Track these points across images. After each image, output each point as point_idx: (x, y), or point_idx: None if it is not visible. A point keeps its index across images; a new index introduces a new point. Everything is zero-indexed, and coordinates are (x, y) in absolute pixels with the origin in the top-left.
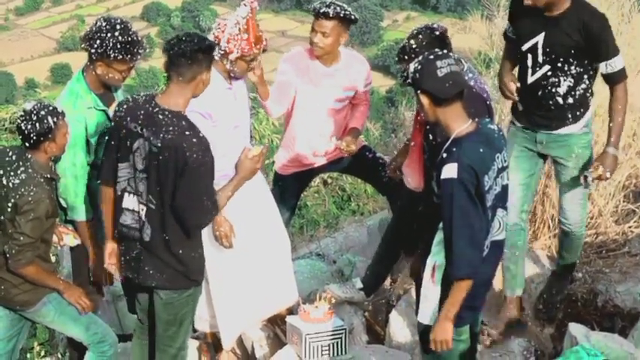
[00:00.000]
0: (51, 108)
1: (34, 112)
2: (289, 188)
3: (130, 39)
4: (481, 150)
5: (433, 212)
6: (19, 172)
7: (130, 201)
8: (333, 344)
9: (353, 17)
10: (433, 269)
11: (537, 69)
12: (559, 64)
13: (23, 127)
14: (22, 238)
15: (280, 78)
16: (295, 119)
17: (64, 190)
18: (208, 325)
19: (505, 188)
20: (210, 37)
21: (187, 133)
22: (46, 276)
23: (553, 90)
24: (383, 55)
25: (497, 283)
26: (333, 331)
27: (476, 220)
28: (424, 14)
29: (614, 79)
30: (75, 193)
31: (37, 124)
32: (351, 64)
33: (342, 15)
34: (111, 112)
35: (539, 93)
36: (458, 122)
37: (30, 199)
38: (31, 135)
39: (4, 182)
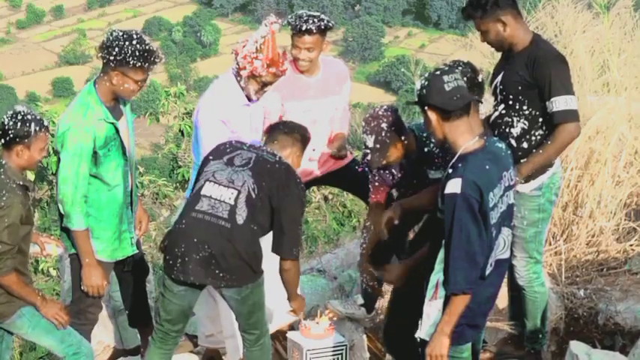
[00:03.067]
0: (38, 117)
1: (22, 113)
2: None
3: (147, 48)
4: (487, 167)
5: (434, 230)
6: None
7: (212, 189)
8: None
9: (331, 25)
10: (436, 286)
11: (497, 108)
12: (510, 102)
13: (5, 123)
14: (0, 246)
15: (269, 107)
16: None
17: (62, 197)
18: (212, 342)
19: (511, 207)
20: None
21: (292, 169)
22: (25, 288)
23: (507, 130)
24: (384, 72)
25: (500, 301)
26: (333, 347)
27: (475, 237)
28: (426, 31)
29: (554, 119)
30: (72, 201)
31: (19, 124)
32: (329, 69)
33: (323, 27)
34: (120, 125)
35: (496, 132)
36: (465, 138)
37: (2, 204)
38: (9, 132)
39: None
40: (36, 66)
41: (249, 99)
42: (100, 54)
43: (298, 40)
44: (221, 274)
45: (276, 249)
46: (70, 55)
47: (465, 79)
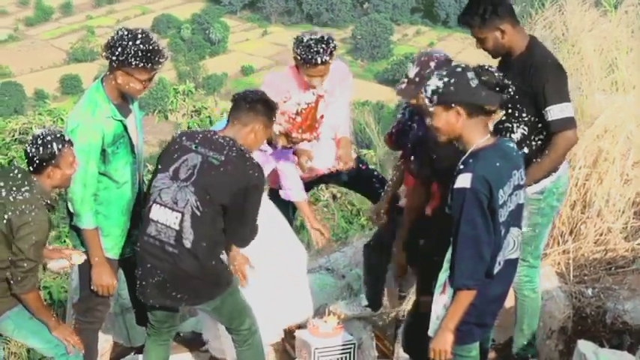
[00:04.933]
0: (58, 135)
1: (41, 137)
2: (283, 202)
3: (151, 47)
4: (498, 164)
5: (443, 227)
6: (22, 189)
7: (159, 212)
8: (341, 359)
9: (335, 43)
10: (444, 285)
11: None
12: (510, 109)
13: (28, 151)
14: (26, 264)
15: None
16: None
17: (71, 195)
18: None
19: (520, 207)
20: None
21: (247, 155)
22: (43, 308)
23: (507, 135)
24: (393, 70)
25: (508, 301)
26: (342, 345)
27: (483, 233)
28: (434, 29)
29: (550, 128)
30: (81, 199)
31: (41, 149)
32: (333, 77)
33: (332, 53)
34: (128, 123)
35: None
36: (478, 135)
37: (30, 219)
38: (35, 159)
39: (3, 194)
40: (44, 63)
41: (271, 145)
42: (104, 53)
43: (312, 70)
44: (178, 296)
45: (234, 239)
46: (79, 53)
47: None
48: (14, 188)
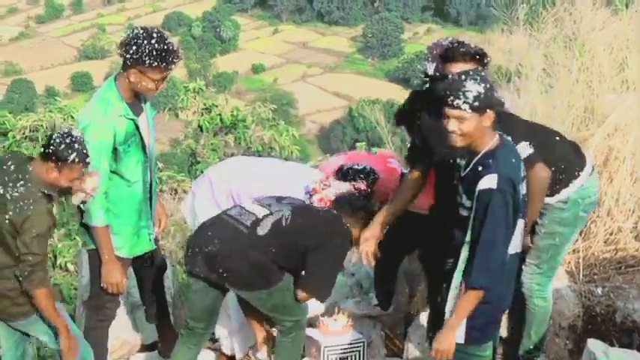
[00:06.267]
0: (84, 150)
1: (72, 138)
2: None
3: (165, 47)
4: (513, 160)
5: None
6: (18, 184)
7: (249, 204)
8: (351, 357)
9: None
10: (461, 285)
11: None
12: None
13: (53, 137)
14: (31, 257)
15: None
16: None
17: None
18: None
19: (524, 197)
20: None
21: (344, 225)
22: (52, 308)
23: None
24: (404, 68)
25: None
26: (351, 343)
27: (505, 235)
28: (445, 27)
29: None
30: (92, 197)
31: (62, 145)
32: None
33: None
34: (139, 122)
35: None
36: (491, 135)
37: (29, 214)
38: (51, 147)
39: (1, 192)
40: (55, 60)
41: None
42: (119, 51)
43: None
44: (225, 274)
45: (304, 284)
46: (89, 50)
47: None
48: (10, 184)
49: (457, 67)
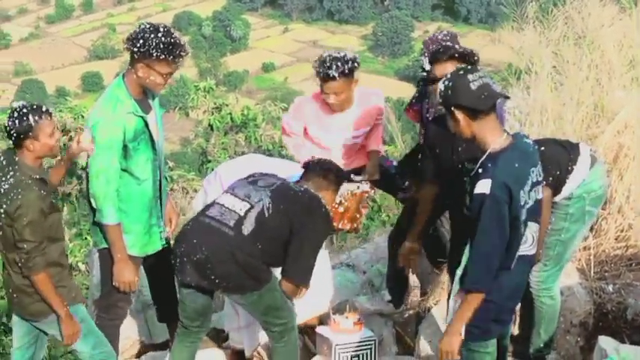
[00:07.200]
0: (34, 107)
1: (18, 109)
2: None
3: (173, 40)
4: (516, 165)
5: (462, 227)
6: (8, 176)
7: (227, 199)
8: (362, 355)
9: (356, 64)
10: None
11: None
12: None
13: (6, 124)
14: (25, 245)
15: (293, 141)
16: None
17: (94, 191)
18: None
19: (539, 202)
20: None
21: (322, 200)
22: (53, 294)
23: None
24: (414, 66)
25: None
26: (362, 341)
27: (496, 240)
28: (455, 25)
29: None
30: (104, 195)
31: (17, 121)
32: (364, 102)
33: (346, 72)
34: (149, 119)
35: None
36: (494, 136)
37: (19, 203)
38: (12, 132)
39: None
40: (65, 60)
41: None
42: (126, 45)
43: (325, 85)
44: (216, 280)
45: (287, 271)
46: (100, 50)
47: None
48: (2, 178)
49: (443, 69)
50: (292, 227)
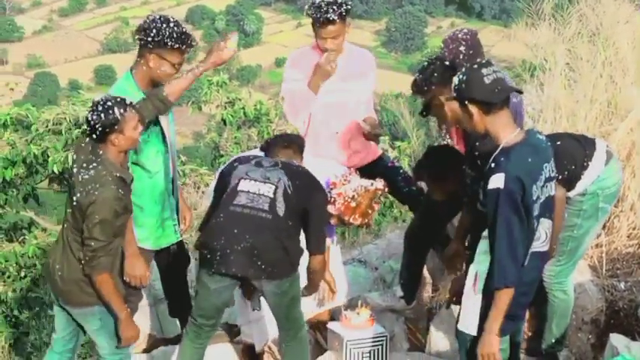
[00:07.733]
0: (119, 99)
1: (101, 103)
2: None
3: (183, 30)
4: (529, 160)
5: (476, 221)
6: (90, 167)
7: (249, 185)
8: (373, 351)
9: (350, 7)
10: (475, 278)
11: None
12: None
13: (89, 118)
14: (92, 243)
15: (294, 86)
16: (314, 117)
17: None
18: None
19: (551, 199)
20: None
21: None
22: (115, 295)
23: None
24: None
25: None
26: (374, 337)
27: (518, 233)
28: (469, 21)
29: None
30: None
31: (103, 115)
32: (352, 56)
33: (344, 13)
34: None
35: None
36: (507, 130)
37: (94, 198)
38: (97, 126)
39: (74, 171)
40: (78, 54)
41: None
42: (137, 36)
43: (322, 31)
44: (263, 266)
45: (313, 246)
46: (113, 43)
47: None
48: (84, 165)
49: None
50: (309, 201)
